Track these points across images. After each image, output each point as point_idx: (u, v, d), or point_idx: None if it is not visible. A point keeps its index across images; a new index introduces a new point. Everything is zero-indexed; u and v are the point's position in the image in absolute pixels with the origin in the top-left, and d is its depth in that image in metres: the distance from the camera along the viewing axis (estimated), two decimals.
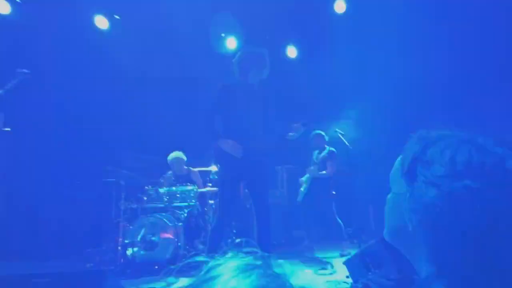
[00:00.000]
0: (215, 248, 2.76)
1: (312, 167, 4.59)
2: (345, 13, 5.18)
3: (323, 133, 4.69)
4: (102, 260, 3.74)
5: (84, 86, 4.43)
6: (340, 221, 4.44)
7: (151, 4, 4.75)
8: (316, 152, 4.78)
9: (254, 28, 5.26)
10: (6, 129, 3.87)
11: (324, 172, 4.51)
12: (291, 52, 5.87)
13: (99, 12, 5.05)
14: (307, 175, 4.66)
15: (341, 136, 4.45)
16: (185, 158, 4.68)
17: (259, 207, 2.91)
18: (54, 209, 4.11)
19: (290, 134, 2.91)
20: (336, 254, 4.22)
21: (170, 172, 4.70)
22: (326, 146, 4.67)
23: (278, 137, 2.97)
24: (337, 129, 4.49)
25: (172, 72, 5.23)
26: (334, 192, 4.59)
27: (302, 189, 4.67)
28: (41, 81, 3.64)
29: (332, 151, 4.58)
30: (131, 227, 3.89)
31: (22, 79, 3.10)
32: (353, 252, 3.36)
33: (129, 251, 3.77)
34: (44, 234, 3.93)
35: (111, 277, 2.27)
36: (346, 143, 4.38)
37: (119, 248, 3.84)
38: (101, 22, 5.13)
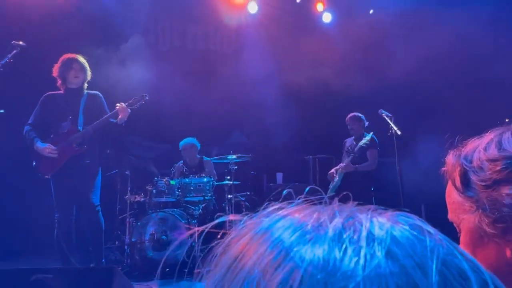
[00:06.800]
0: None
1: (346, 160, 4.51)
2: None
3: (361, 115, 4.61)
4: (107, 260, 3.91)
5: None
6: None
7: None
8: (351, 139, 4.72)
9: None
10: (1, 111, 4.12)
11: (363, 165, 4.45)
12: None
13: None
14: (340, 167, 4.61)
15: (387, 119, 4.32)
16: (198, 145, 4.81)
17: (81, 206, 3.48)
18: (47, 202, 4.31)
19: (119, 117, 3.47)
20: None
21: (181, 162, 4.83)
22: (364, 132, 4.61)
23: (103, 125, 3.50)
24: (382, 110, 4.36)
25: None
26: (372, 188, 4.54)
27: (333, 182, 4.62)
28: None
29: (374, 139, 4.52)
30: (138, 223, 4.03)
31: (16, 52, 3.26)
32: None
33: (136, 251, 3.93)
34: (41, 230, 4.15)
35: (119, 274, 2.39)
36: (395, 128, 4.22)
37: (126, 247, 4.01)
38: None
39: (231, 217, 0.36)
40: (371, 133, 4.44)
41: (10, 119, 4.13)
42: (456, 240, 0.68)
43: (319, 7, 6.23)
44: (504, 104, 4.54)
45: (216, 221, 0.42)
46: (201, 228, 0.39)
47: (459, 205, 0.63)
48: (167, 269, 3.73)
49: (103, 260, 3.60)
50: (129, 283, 2.51)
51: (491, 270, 0.60)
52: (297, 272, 0.24)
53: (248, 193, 5.01)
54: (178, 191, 4.28)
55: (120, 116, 3.48)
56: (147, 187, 4.30)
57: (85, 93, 3.62)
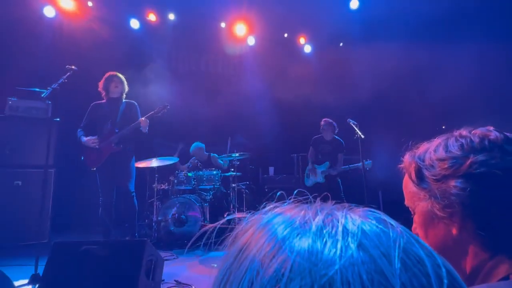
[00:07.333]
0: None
1: (333, 169, 4.45)
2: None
3: (334, 122, 4.57)
4: (139, 234, 3.89)
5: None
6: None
7: None
8: (323, 139, 4.61)
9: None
10: (56, 119, 4.09)
11: (339, 167, 4.46)
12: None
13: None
14: (321, 169, 4.57)
15: (354, 126, 4.32)
16: (203, 146, 4.86)
17: (119, 192, 3.38)
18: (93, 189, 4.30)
19: (142, 126, 3.38)
20: None
21: (194, 158, 4.83)
22: (334, 135, 4.60)
23: (132, 131, 3.41)
24: (350, 119, 4.37)
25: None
26: (339, 180, 4.56)
27: (315, 177, 4.61)
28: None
29: (342, 142, 4.56)
30: (163, 206, 4.02)
31: (69, 74, 3.24)
32: None
33: (161, 227, 3.92)
34: (89, 211, 4.13)
35: (149, 245, 2.38)
36: (360, 133, 4.20)
37: (153, 224, 4.00)
38: (135, 23, 5.28)
39: (238, 215, 0.34)
40: (369, 161, 4.34)
41: (64, 125, 4.12)
42: (410, 220, 0.65)
43: (302, 40, 6.27)
44: (442, 113, 4.60)
45: (224, 219, 0.43)
46: (214, 225, 0.38)
47: (414, 194, 0.61)
48: (185, 241, 3.74)
49: (136, 234, 3.58)
50: (157, 252, 2.50)
51: (441, 245, 0.58)
52: (288, 262, 0.23)
53: (248, 182, 5.01)
54: (194, 181, 4.27)
55: (142, 125, 3.41)
56: (170, 177, 4.29)
57: (123, 101, 3.54)
